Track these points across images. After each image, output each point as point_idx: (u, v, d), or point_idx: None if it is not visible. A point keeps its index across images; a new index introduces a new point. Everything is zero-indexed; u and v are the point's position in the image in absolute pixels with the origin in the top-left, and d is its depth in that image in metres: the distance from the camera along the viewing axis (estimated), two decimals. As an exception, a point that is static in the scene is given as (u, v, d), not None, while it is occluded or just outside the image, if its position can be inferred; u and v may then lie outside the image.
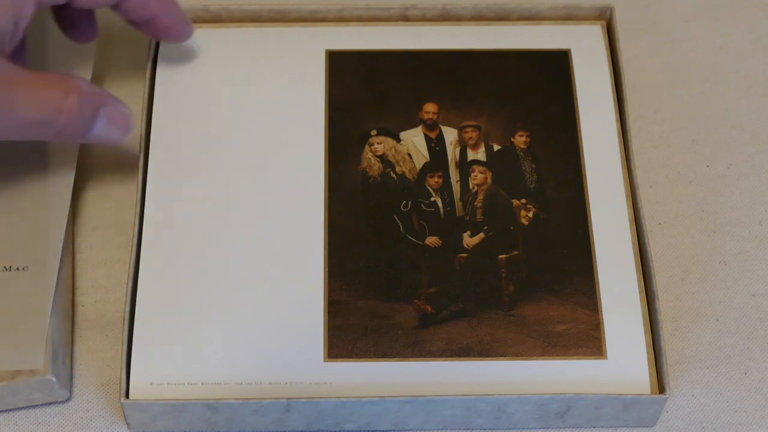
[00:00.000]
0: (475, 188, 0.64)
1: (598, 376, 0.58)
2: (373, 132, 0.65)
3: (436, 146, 0.65)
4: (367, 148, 0.65)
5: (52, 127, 0.57)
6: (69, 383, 0.60)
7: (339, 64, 0.67)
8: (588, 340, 0.59)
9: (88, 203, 0.66)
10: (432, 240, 0.62)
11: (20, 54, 0.61)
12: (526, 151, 0.65)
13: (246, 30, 0.68)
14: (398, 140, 0.65)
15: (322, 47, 0.67)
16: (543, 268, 0.61)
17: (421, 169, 0.64)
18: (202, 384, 0.58)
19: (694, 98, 0.71)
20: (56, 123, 0.57)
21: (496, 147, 0.65)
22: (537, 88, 0.67)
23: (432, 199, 0.63)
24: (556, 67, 0.67)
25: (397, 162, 0.64)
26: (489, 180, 0.64)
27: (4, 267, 0.60)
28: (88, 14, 0.64)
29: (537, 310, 0.60)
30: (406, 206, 0.63)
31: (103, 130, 0.59)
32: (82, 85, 0.58)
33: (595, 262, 0.61)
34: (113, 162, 0.67)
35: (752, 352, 0.63)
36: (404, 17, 0.69)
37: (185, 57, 0.67)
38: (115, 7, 0.62)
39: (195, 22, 0.68)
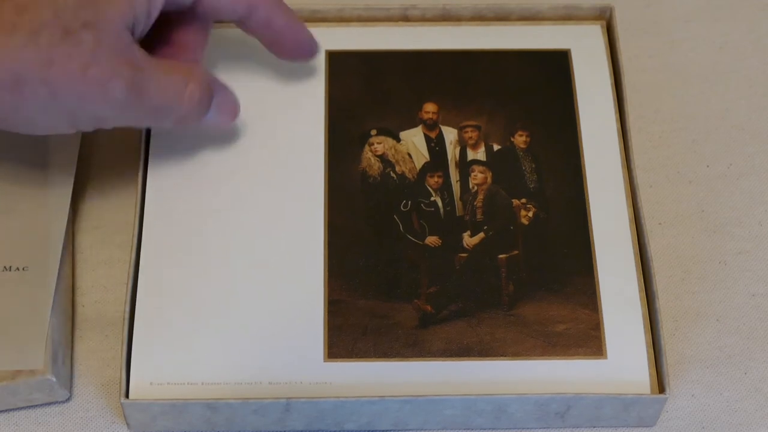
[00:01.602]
0: (475, 188, 0.64)
1: (598, 375, 0.58)
2: (373, 132, 0.65)
3: (436, 146, 0.65)
4: (366, 147, 0.65)
5: (173, 113, 0.58)
6: (69, 383, 0.60)
7: (339, 64, 0.67)
8: (588, 340, 0.59)
9: (88, 203, 0.66)
10: (432, 240, 0.62)
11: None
12: (526, 151, 0.65)
13: (246, 30, 0.68)
14: (398, 140, 0.65)
15: (322, 47, 0.67)
16: (543, 268, 0.61)
17: (421, 169, 0.64)
18: (202, 384, 0.58)
19: (694, 98, 0.71)
20: (178, 111, 0.58)
21: (496, 147, 0.65)
22: (537, 88, 0.67)
23: (432, 198, 0.63)
24: (555, 67, 0.67)
25: (397, 162, 0.64)
26: (489, 180, 0.64)
27: (4, 267, 0.60)
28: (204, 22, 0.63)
29: (537, 309, 0.60)
30: (406, 206, 0.63)
31: (213, 118, 0.61)
32: (200, 73, 0.59)
33: (595, 262, 0.61)
34: (113, 161, 0.67)
35: (752, 352, 0.63)
36: (404, 17, 0.69)
37: (185, 57, 0.67)
38: (240, 23, 0.62)
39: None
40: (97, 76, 0.54)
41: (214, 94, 0.60)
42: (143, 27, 0.58)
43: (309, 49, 0.65)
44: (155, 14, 0.58)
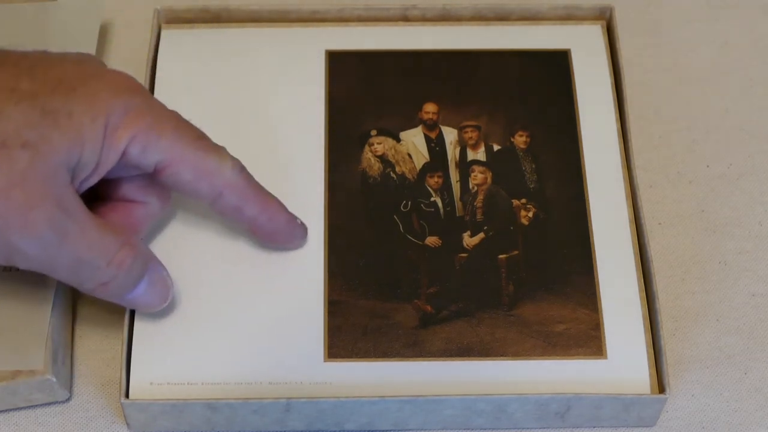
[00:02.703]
0: (475, 188, 0.64)
1: (598, 376, 0.58)
2: (373, 132, 0.65)
3: (436, 146, 0.65)
4: (366, 148, 0.65)
5: (97, 274, 0.54)
6: (69, 383, 0.60)
7: (339, 64, 0.67)
8: (588, 340, 0.59)
9: (88, 203, 0.66)
10: (432, 240, 0.62)
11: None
12: (526, 151, 0.65)
13: (246, 30, 0.68)
14: (398, 140, 0.65)
15: (322, 47, 0.67)
16: (543, 268, 0.61)
17: (421, 169, 0.64)
18: (202, 384, 0.58)
19: (694, 98, 0.71)
20: (102, 272, 0.54)
21: (496, 147, 0.65)
22: (537, 88, 0.67)
23: (432, 199, 0.63)
24: (556, 67, 0.67)
25: (397, 162, 0.64)
26: (489, 180, 0.64)
27: (4, 267, 0.60)
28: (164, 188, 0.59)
29: (537, 309, 0.60)
30: (406, 206, 0.63)
31: (143, 294, 0.57)
32: (137, 242, 0.56)
33: (595, 262, 0.61)
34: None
35: (752, 352, 0.63)
36: (404, 17, 0.69)
37: (185, 57, 0.67)
38: (211, 204, 0.58)
39: (195, 22, 0.68)
40: (19, 201, 0.50)
41: (148, 269, 0.56)
42: (87, 175, 0.54)
43: (289, 238, 0.60)
44: (105, 168, 0.54)
